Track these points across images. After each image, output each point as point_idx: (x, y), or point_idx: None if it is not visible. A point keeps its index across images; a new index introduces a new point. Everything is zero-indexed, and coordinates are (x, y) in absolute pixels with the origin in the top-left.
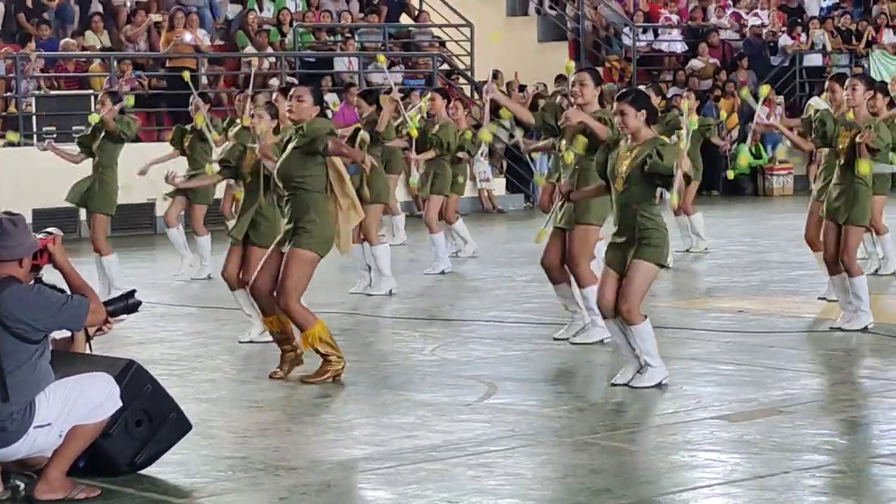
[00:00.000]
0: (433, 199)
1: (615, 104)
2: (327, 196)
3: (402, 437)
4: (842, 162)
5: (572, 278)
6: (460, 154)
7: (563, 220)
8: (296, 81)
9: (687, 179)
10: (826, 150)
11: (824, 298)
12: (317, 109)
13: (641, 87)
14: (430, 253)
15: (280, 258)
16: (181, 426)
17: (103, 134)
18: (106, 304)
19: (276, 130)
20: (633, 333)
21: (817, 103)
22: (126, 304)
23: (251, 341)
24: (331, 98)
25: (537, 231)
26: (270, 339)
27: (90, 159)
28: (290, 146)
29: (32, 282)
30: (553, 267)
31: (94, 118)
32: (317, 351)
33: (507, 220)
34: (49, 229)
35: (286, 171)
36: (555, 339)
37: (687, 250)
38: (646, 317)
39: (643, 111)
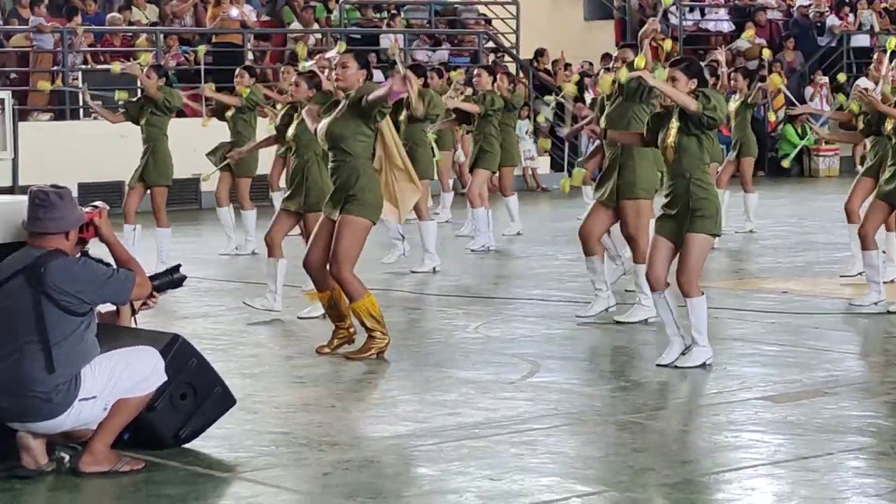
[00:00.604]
0: (479, 174)
1: (667, 70)
2: (375, 166)
3: (445, 415)
4: (894, 143)
5: (606, 255)
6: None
7: (606, 194)
8: None
9: (740, 149)
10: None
11: (844, 275)
12: (363, 73)
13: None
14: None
15: (331, 228)
16: (225, 401)
17: (150, 109)
18: (151, 278)
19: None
20: (689, 307)
21: (864, 83)
22: (171, 278)
23: (258, 308)
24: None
25: (562, 183)
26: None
27: (139, 132)
28: (338, 109)
29: (79, 255)
30: (589, 238)
31: (121, 95)
32: (363, 324)
33: (550, 198)
34: (96, 203)
35: (333, 133)
36: (577, 317)
37: (749, 231)
38: (703, 293)
39: (695, 80)
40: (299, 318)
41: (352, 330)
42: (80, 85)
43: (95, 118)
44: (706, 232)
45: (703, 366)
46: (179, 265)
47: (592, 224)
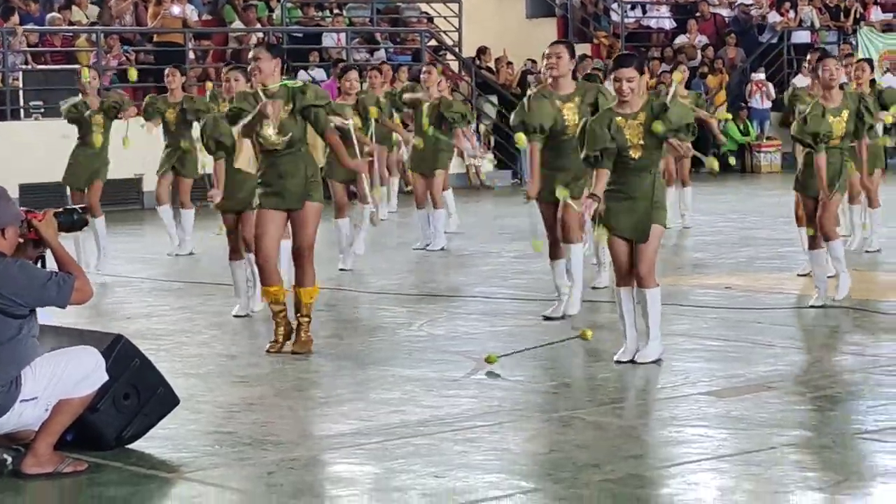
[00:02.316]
0: (439, 174)
1: (616, 70)
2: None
3: (389, 413)
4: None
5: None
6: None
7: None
8: None
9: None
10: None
11: (802, 274)
12: (276, 62)
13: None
14: (416, 229)
15: (280, 220)
16: (169, 400)
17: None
18: (55, 214)
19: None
20: (646, 299)
21: (801, 81)
22: (73, 218)
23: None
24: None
25: (533, 244)
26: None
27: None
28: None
29: (34, 261)
30: (556, 242)
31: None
32: (302, 312)
33: (494, 195)
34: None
35: (288, 133)
36: (544, 317)
37: (683, 227)
38: (658, 284)
39: (643, 75)
40: (234, 316)
41: (294, 324)
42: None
43: (36, 119)
44: (661, 223)
45: (657, 361)
46: (86, 207)
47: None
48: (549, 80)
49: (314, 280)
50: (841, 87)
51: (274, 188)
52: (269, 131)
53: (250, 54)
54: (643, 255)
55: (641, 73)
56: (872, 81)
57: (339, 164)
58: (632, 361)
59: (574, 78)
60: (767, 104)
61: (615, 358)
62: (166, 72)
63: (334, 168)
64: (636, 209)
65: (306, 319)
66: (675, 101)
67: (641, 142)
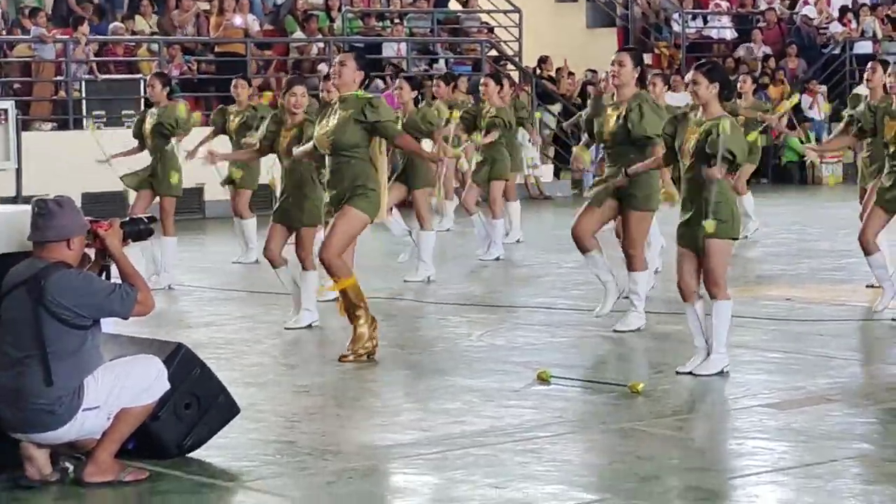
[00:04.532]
0: (495, 185)
1: (692, 73)
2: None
3: (449, 423)
4: (891, 151)
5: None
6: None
7: (600, 197)
8: None
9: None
10: (868, 139)
11: (872, 286)
12: (360, 74)
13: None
14: (476, 239)
15: None
16: (229, 409)
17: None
18: (121, 224)
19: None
20: (714, 309)
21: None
22: (139, 228)
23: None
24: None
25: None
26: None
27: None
28: (339, 114)
29: (99, 272)
30: (583, 236)
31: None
32: (348, 307)
33: (554, 206)
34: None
35: (340, 140)
36: (596, 316)
37: (745, 237)
38: (730, 297)
39: (716, 84)
40: (286, 328)
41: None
42: (103, 156)
43: (99, 127)
44: (724, 236)
45: (721, 373)
46: (153, 217)
47: (585, 223)
48: (613, 88)
49: (347, 272)
50: None
51: (326, 196)
52: (316, 130)
53: (337, 58)
54: (704, 268)
55: (713, 81)
56: None
57: (420, 159)
58: (692, 373)
59: (641, 86)
60: (823, 115)
61: (677, 369)
62: (233, 83)
63: (411, 177)
64: (691, 221)
65: (357, 316)
66: (727, 130)
67: (691, 150)
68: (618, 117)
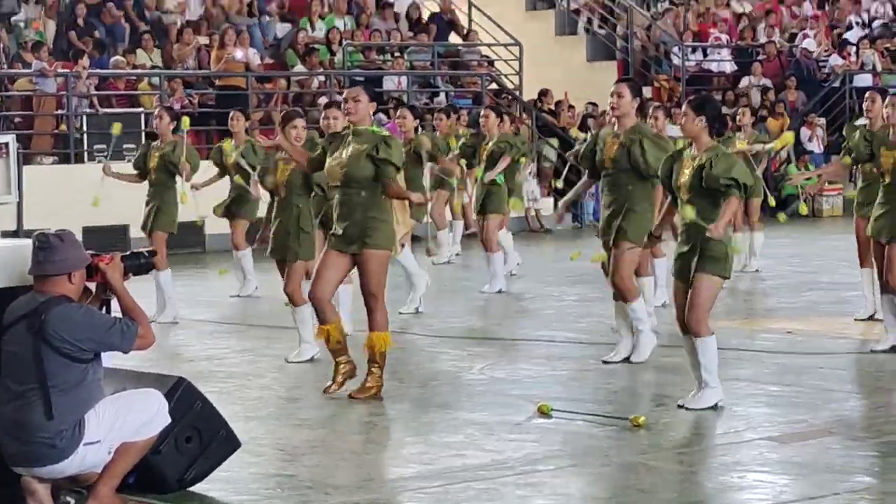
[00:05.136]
0: (491, 219)
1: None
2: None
3: (451, 456)
4: (886, 181)
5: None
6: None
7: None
8: None
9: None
10: (865, 165)
11: (863, 319)
12: (373, 106)
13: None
14: (480, 272)
15: (343, 263)
16: (230, 443)
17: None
18: (122, 258)
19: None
20: (697, 346)
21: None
22: (139, 262)
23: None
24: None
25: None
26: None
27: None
28: (351, 147)
29: (100, 306)
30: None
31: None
32: (372, 357)
33: (554, 239)
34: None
35: (353, 173)
36: (604, 361)
37: (742, 268)
38: (713, 333)
39: (701, 117)
40: (288, 361)
41: (352, 365)
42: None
43: (99, 161)
44: (714, 273)
45: (714, 407)
46: (153, 251)
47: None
48: (613, 120)
49: (385, 326)
50: None
51: (336, 228)
52: (329, 160)
53: (346, 93)
54: (690, 302)
55: (699, 114)
56: None
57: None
58: (684, 407)
59: (641, 117)
60: (821, 147)
61: (678, 403)
62: (230, 115)
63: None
64: (687, 254)
65: (376, 367)
66: (722, 159)
67: (687, 185)
68: (620, 145)
